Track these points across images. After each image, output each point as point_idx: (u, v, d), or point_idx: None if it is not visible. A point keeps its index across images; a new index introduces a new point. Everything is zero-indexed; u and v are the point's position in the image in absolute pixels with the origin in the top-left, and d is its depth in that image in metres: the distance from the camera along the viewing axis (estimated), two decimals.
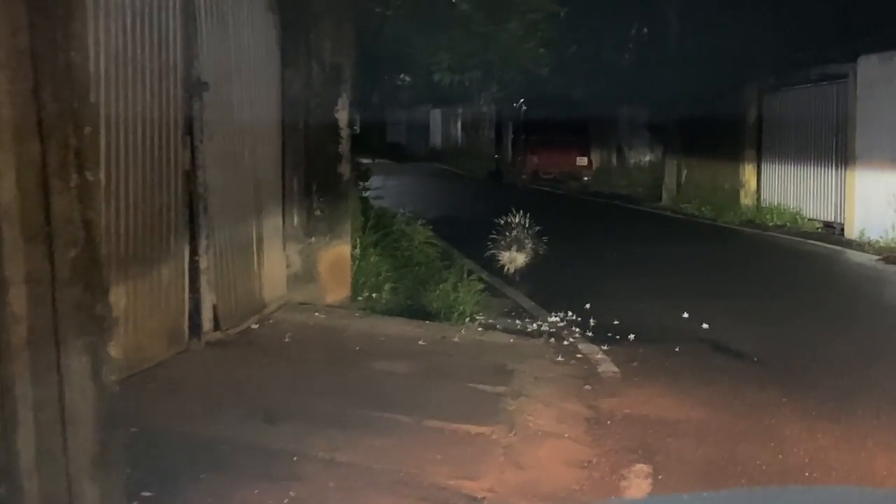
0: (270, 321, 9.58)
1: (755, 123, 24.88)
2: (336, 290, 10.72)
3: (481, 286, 12.74)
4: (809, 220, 21.95)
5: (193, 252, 8.07)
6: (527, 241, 14.98)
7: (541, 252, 16.25)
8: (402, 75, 61.62)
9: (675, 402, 8.44)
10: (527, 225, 15.08)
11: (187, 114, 7.93)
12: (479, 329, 10.76)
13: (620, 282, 14.99)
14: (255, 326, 9.25)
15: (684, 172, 28.45)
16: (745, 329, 11.56)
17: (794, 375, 9.35)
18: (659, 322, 11.95)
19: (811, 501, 2.65)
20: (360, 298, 11.34)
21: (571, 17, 32.46)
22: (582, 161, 36.24)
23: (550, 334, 11.05)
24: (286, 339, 8.90)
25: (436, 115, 56.91)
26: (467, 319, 11.03)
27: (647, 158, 33.38)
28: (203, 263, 8.13)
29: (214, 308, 8.30)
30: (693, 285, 14.74)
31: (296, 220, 10.53)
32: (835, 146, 21.15)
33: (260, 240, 9.57)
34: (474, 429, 6.83)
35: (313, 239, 10.60)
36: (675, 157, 28.67)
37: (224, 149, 8.63)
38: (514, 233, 15.02)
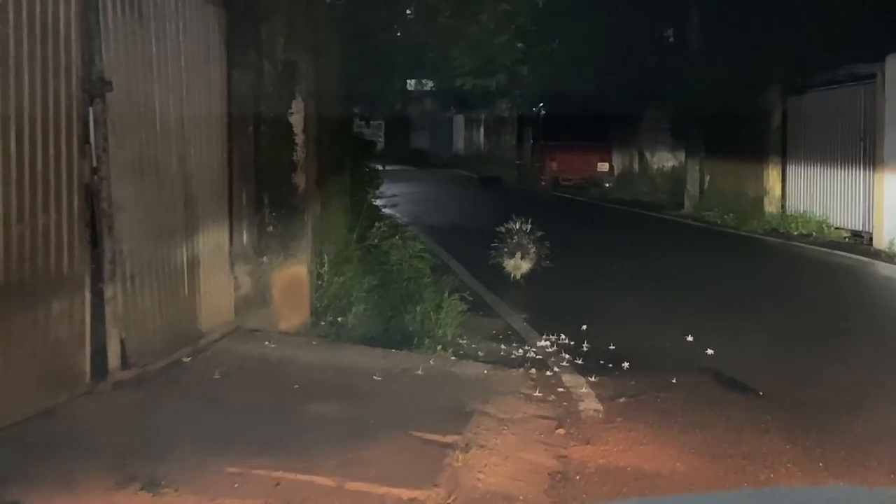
0: (208, 353, 8.44)
1: (779, 127, 23.64)
2: (292, 315, 9.58)
3: (464, 307, 11.62)
4: (836, 228, 20.69)
5: (97, 279, 6.94)
6: (531, 246, 14.67)
7: (547, 264, 15.53)
8: (424, 80, 61.01)
9: (661, 449, 7.25)
10: (533, 231, 14.78)
11: (86, 118, 6.80)
12: (452, 358, 9.59)
13: (626, 298, 13.86)
14: (186, 360, 8.11)
15: (707, 178, 27.34)
16: (755, 355, 10.37)
17: (803, 414, 8.15)
18: (660, 346, 10.82)
19: (820, 501, 2.59)
20: (323, 323, 10.20)
21: (593, 17, 31.51)
22: (603, 166, 35.10)
23: (534, 362, 9.89)
24: (216, 376, 7.73)
25: (458, 121, 55.93)
26: (439, 347, 9.84)
27: (671, 163, 32.17)
28: (108, 292, 6.99)
29: (122, 343, 7.16)
30: (704, 303, 13.60)
31: (245, 237, 9.40)
32: (862, 150, 19.88)
33: (194, 261, 8.43)
34: (406, 493, 5.67)
35: (265, 258, 9.48)
36: (697, 162, 27.55)
37: (140, 158, 7.49)
38: (519, 239, 14.72)
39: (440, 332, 10.63)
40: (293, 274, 9.55)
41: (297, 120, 9.44)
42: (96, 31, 6.91)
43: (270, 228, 9.44)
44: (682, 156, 29.59)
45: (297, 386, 7.70)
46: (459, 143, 56.12)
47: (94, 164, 6.88)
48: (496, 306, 13.27)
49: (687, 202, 27.42)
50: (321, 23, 11.21)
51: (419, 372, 8.61)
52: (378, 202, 28.96)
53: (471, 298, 12.17)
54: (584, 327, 11.49)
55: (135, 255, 7.35)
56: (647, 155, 34.01)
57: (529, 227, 14.86)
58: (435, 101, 60.26)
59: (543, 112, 36.46)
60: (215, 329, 8.86)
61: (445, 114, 58.04)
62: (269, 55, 9.38)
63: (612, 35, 30.98)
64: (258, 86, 9.36)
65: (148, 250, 7.57)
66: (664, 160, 32.72)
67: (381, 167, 27.31)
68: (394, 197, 32.33)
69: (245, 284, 9.43)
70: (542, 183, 35.08)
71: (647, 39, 31.54)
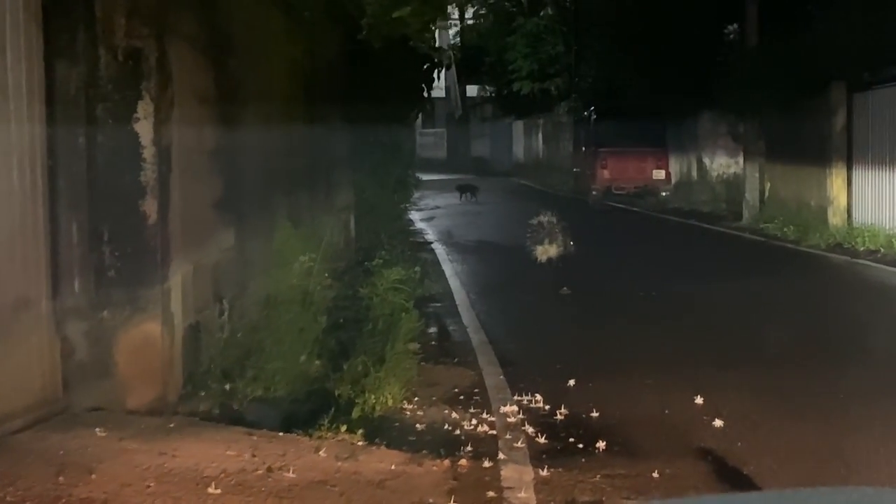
0: None
1: (843, 128, 20.82)
2: (143, 388, 7.15)
3: (414, 359, 9.31)
4: None
5: None
6: (557, 233, 15.40)
7: (565, 290, 14.50)
8: (487, 87, 58.89)
9: None
10: (559, 222, 15.62)
11: None
12: (360, 443, 7.08)
13: (643, 338, 11.63)
14: None
15: (768, 186, 24.69)
16: (777, 429, 7.89)
17: None
18: (658, 413, 8.45)
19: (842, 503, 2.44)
20: (204, 393, 7.78)
21: (650, 15, 29.30)
22: (659, 174, 32.27)
23: (480, 442, 7.47)
24: None
25: (518, 128, 53.54)
26: (344, 428, 7.34)
27: (732, 170, 29.39)
28: None
29: None
30: (734, 345, 11.12)
31: (77, 284, 7.02)
32: None
33: None
34: None
35: (106, 312, 7.08)
36: (756, 169, 24.94)
37: None
38: (547, 228, 15.50)
39: (371, 397, 8.31)
40: (144, 333, 7.14)
41: (144, 128, 7.04)
42: None
43: (112, 273, 7.06)
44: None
45: None
46: (519, 151, 53.71)
47: None
48: (480, 351, 11.03)
49: (745, 212, 24.81)
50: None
51: (289, 474, 6.16)
52: (417, 214, 27.15)
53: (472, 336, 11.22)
54: (572, 382, 9.16)
55: None
56: (706, 161, 31.18)
57: (554, 219, 15.58)
58: (495, 107, 58.07)
59: (594, 116, 33.76)
60: (18, 414, 6.49)
61: (505, 121, 55.80)
62: (107, 41, 7.00)
63: (669, 33, 28.57)
64: (93, 83, 6.99)
65: None
66: (724, 167, 29.93)
67: (421, 177, 25.39)
68: (436, 209, 30.28)
69: (80, 348, 7.04)
70: (594, 192, 32.30)
71: (704, 37, 29.00)
